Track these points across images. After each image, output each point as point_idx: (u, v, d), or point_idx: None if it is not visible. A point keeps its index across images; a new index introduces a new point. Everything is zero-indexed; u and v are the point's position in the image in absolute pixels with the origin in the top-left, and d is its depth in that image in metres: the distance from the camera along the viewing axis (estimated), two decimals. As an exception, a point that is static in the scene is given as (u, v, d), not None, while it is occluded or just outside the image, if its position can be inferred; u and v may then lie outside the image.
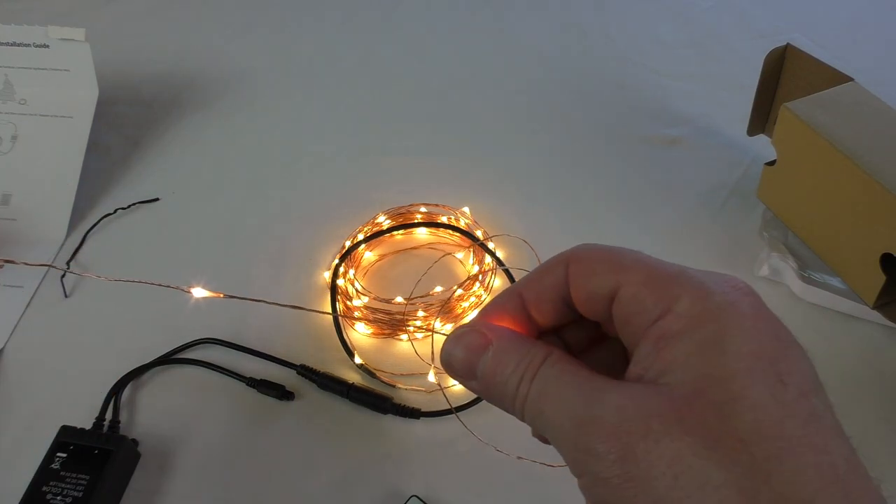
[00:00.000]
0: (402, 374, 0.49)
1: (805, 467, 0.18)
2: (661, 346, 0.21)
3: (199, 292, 0.34)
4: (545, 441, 0.23)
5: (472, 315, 0.52)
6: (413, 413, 0.46)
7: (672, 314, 0.21)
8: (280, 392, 0.47)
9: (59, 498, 0.40)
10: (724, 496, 0.18)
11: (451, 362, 0.24)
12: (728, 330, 0.20)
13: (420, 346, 0.50)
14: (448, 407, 0.47)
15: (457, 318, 0.52)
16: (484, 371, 0.23)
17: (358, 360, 0.49)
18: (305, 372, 0.48)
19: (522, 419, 0.23)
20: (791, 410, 0.19)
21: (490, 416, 0.47)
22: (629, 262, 0.22)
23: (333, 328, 0.50)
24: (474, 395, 0.47)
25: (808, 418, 0.19)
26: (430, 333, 0.51)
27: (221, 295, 0.34)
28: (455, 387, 0.48)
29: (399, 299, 0.52)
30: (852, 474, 0.19)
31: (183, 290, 0.34)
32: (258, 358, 0.49)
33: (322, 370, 0.48)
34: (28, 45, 0.62)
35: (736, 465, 0.18)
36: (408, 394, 0.48)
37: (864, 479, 0.19)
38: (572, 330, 0.26)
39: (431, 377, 0.48)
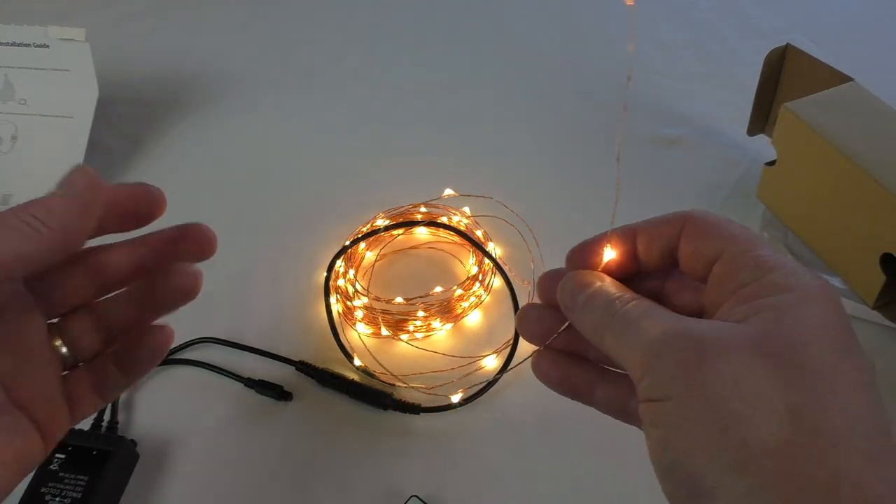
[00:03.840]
0: (402, 375, 0.49)
1: (845, 413, 0.22)
2: (749, 301, 0.24)
3: None
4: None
5: (472, 315, 0.52)
6: (413, 409, 0.46)
7: (764, 280, 0.24)
8: (278, 392, 0.47)
9: (57, 499, 0.40)
10: (774, 406, 0.22)
11: (562, 290, 0.29)
12: (808, 301, 0.24)
13: (421, 346, 0.50)
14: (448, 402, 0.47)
15: (457, 318, 0.52)
16: (583, 299, 0.28)
17: (357, 362, 0.49)
18: (304, 368, 0.48)
19: (601, 341, 0.27)
20: (852, 376, 0.23)
21: (488, 412, 0.47)
22: (738, 232, 0.26)
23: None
24: (472, 393, 0.47)
25: (863, 387, 0.23)
26: (430, 333, 0.51)
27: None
28: (452, 382, 0.48)
29: (399, 300, 0.52)
30: (884, 436, 0.22)
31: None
32: (256, 356, 0.49)
33: (321, 367, 0.48)
34: (28, 45, 0.62)
35: (792, 387, 0.22)
36: (408, 392, 0.48)
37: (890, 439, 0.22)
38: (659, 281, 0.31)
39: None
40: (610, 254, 0.29)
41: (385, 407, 0.47)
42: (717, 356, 0.23)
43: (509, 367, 0.48)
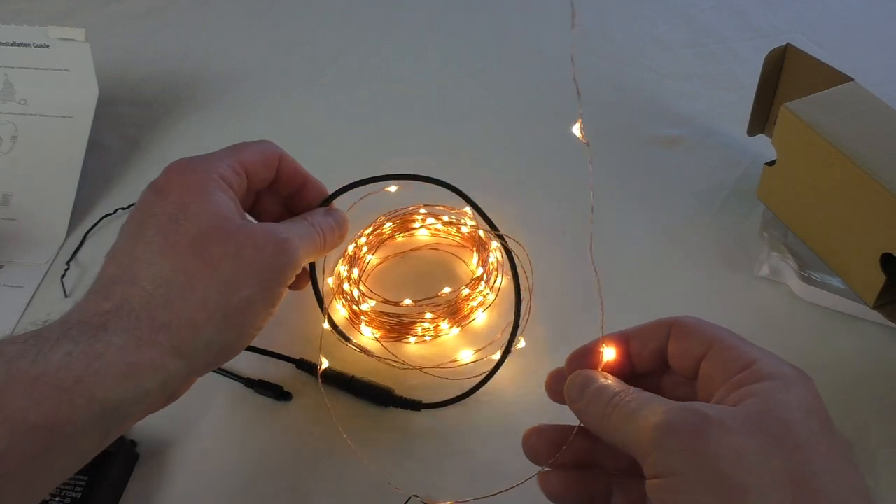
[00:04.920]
0: (405, 368, 0.49)
1: (836, 482, 0.25)
2: (738, 389, 0.27)
3: None
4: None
5: (479, 314, 0.52)
6: (414, 405, 0.46)
7: (749, 371, 0.28)
8: (278, 392, 0.47)
9: (57, 499, 0.40)
10: (777, 477, 0.24)
11: (570, 385, 0.32)
12: (791, 387, 0.27)
13: (427, 347, 0.50)
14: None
15: (464, 318, 0.51)
16: (589, 393, 0.31)
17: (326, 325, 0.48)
18: (305, 365, 0.48)
19: (606, 429, 0.29)
20: (838, 450, 0.26)
21: (488, 409, 0.47)
22: (720, 333, 0.30)
23: (334, 328, 0.50)
24: (469, 388, 0.47)
25: (847, 459, 0.26)
26: (438, 335, 0.51)
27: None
28: (460, 380, 0.48)
29: (407, 301, 0.51)
30: (868, 500, 0.26)
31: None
32: (256, 355, 0.49)
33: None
34: (28, 45, 0.62)
35: (791, 461, 0.25)
36: (408, 390, 0.48)
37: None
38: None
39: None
40: (609, 355, 0.32)
41: (386, 404, 0.47)
42: (718, 430, 0.25)
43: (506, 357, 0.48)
